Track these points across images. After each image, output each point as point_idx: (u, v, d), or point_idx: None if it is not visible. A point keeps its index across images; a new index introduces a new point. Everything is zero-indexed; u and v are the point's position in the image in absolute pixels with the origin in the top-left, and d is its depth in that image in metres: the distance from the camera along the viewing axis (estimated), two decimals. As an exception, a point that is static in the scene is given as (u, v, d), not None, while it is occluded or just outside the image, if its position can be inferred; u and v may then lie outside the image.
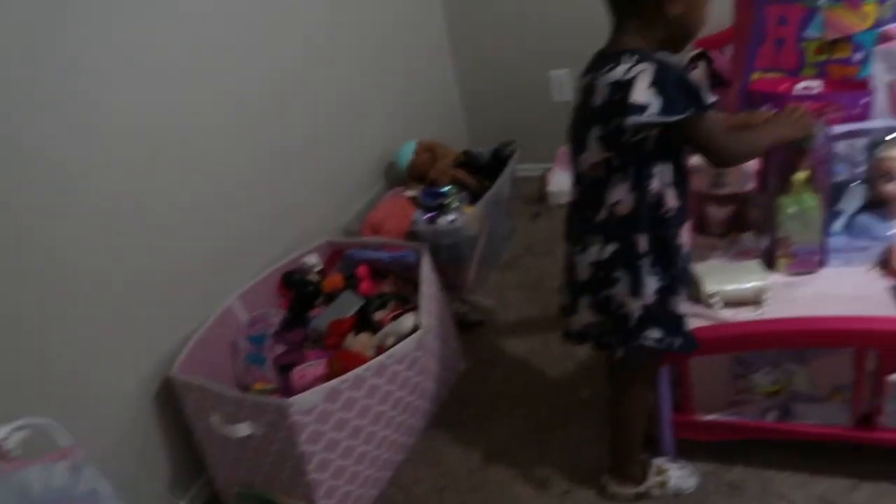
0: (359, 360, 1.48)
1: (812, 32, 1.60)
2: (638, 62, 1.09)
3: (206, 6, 1.69)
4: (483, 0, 2.70)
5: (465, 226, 2.07)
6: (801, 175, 1.31)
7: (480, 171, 2.40)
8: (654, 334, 1.22)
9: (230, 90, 1.76)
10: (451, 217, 2.09)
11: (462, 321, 2.08)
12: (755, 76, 1.72)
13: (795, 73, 1.66)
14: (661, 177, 1.15)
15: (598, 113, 1.14)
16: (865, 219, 1.38)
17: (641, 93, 1.07)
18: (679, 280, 1.23)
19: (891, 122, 1.32)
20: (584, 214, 1.23)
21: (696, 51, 2.25)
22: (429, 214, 2.12)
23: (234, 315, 1.78)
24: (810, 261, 1.38)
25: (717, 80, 2.21)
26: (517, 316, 2.14)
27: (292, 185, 1.98)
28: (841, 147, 1.34)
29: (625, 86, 1.09)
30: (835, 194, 1.38)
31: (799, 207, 1.33)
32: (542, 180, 2.74)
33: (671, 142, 1.14)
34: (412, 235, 2.06)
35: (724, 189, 1.45)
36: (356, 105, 2.28)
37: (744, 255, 1.44)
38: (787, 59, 1.67)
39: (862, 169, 1.35)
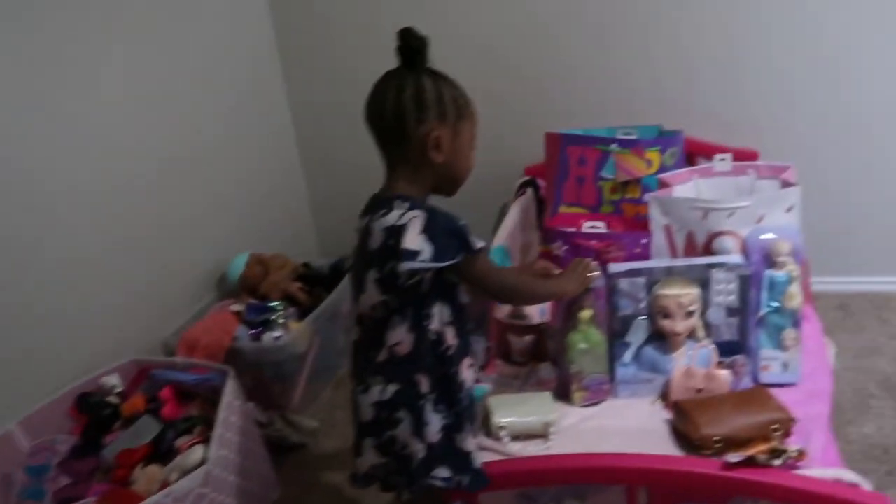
0: (131, 499, 1.34)
1: (607, 174, 1.74)
2: (409, 209, 1.13)
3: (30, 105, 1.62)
4: (331, 106, 2.72)
5: (292, 343, 2.01)
6: (585, 313, 1.37)
7: (321, 283, 2.37)
8: (441, 473, 1.21)
9: (39, 187, 1.66)
10: (276, 333, 2.03)
11: (282, 443, 1.98)
12: (562, 208, 1.84)
13: (596, 209, 1.79)
14: (439, 316, 1.18)
15: (375, 256, 1.16)
16: (650, 351, 1.45)
17: (413, 239, 1.10)
18: (464, 417, 1.23)
19: (665, 262, 1.43)
20: (366, 354, 1.23)
21: (526, 178, 2.38)
22: (253, 331, 2.04)
23: (13, 442, 1.59)
24: (601, 390, 1.42)
25: (544, 206, 2.35)
26: (342, 437, 2.06)
27: (106, 293, 1.85)
28: (624, 284, 1.42)
29: (398, 231, 1.12)
30: (622, 327, 1.45)
31: (587, 344, 1.38)
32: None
33: (446, 283, 1.17)
34: (233, 353, 1.96)
35: (523, 320, 1.49)
36: (190, 213, 2.21)
37: (542, 384, 1.47)
38: (587, 196, 1.79)
39: (644, 304, 1.43)
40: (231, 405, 1.59)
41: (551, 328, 1.49)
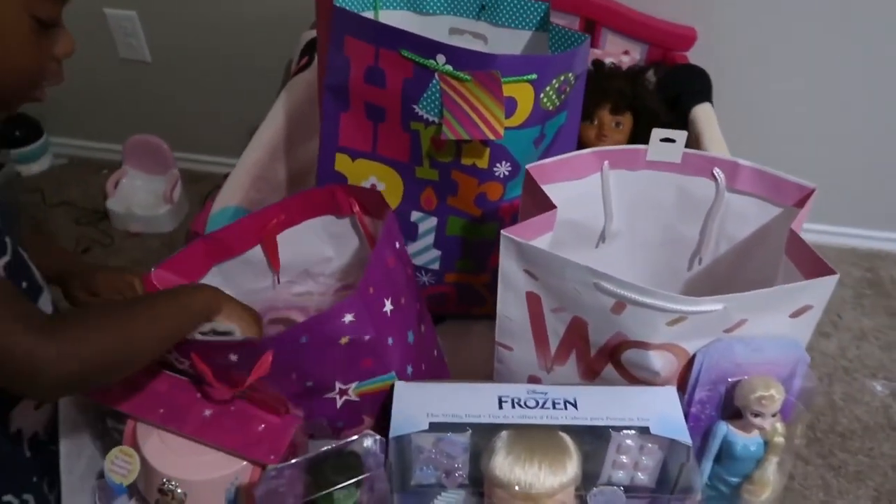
0: None
1: (426, 110, 0.83)
2: None
3: None
4: None
5: None
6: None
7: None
8: None
9: None
10: None
11: None
12: (339, 161, 0.93)
13: (406, 170, 0.90)
14: None
15: None
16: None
17: None
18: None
19: (508, 414, 0.63)
20: None
21: (314, 36, 1.38)
22: None
23: None
24: None
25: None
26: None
27: None
28: (424, 442, 0.63)
29: None
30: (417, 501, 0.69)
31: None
32: (102, 185, 1.75)
33: None
34: None
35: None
36: None
37: None
38: (391, 144, 0.89)
39: (461, 473, 0.66)
40: None
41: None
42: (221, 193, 1.02)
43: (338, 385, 0.64)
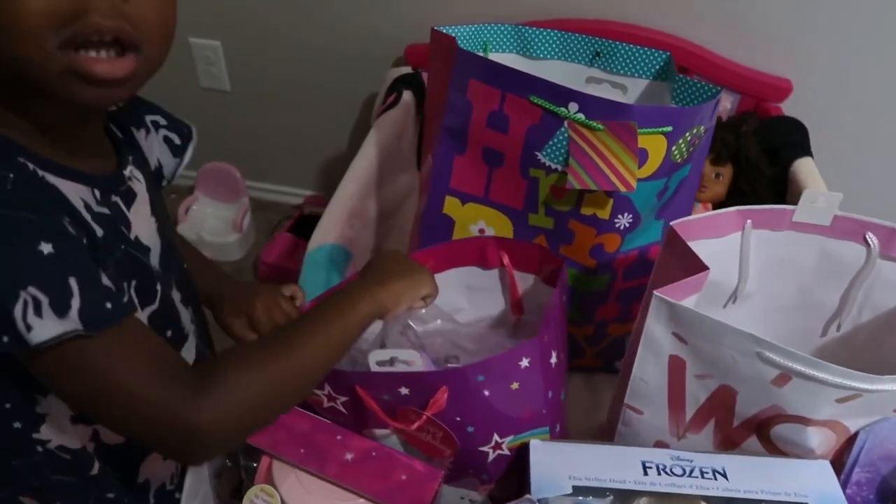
0: None
1: (549, 157, 0.81)
2: None
3: None
4: None
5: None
6: None
7: None
8: None
9: None
10: None
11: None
12: (448, 204, 0.91)
13: (520, 217, 0.88)
14: (60, 419, 0.54)
15: None
16: None
17: None
18: None
19: (648, 482, 0.59)
20: None
21: (404, 72, 1.38)
22: None
23: None
24: None
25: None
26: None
27: None
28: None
29: None
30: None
31: None
32: (173, 211, 1.75)
33: None
34: None
35: None
36: None
37: None
38: (504, 189, 0.87)
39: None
40: None
41: None
42: (317, 231, 1.01)
43: (494, 437, 0.62)
